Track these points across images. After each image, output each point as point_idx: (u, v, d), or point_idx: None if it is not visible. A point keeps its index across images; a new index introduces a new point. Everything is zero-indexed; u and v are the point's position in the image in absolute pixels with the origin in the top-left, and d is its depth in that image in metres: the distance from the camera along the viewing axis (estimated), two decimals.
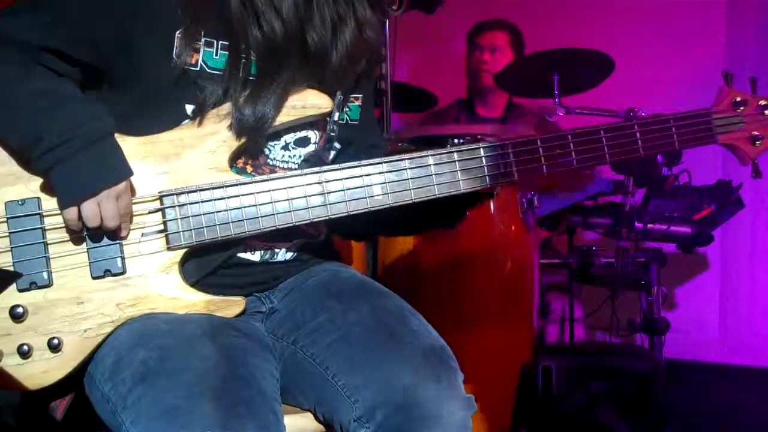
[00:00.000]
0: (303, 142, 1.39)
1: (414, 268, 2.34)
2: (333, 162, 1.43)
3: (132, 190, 1.27)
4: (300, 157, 1.39)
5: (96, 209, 1.22)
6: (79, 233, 1.25)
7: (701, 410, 3.08)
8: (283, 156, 1.38)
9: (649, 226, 2.97)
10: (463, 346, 2.27)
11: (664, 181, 2.94)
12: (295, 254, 1.45)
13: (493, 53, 3.44)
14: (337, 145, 1.46)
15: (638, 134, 1.42)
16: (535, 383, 2.51)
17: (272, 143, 1.37)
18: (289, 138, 1.39)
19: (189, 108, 1.30)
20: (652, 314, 2.90)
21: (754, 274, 3.91)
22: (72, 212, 1.22)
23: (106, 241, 1.27)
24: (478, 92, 3.54)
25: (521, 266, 2.39)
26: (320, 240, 1.49)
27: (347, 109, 1.47)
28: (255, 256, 1.39)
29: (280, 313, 1.42)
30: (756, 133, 1.47)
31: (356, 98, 1.48)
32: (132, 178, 1.26)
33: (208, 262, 1.33)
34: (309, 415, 1.35)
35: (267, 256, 1.40)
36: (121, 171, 1.24)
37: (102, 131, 1.23)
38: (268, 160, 1.37)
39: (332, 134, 1.40)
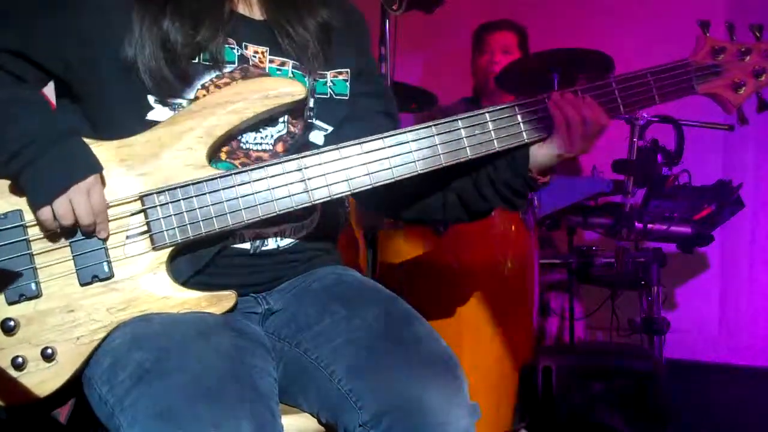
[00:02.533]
0: (272, 121, 1.39)
1: (414, 268, 2.34)
2: (330, 144, 1.41)
3: (110, 191, 1.27)
4: (272, 137, 1.39)
5: (68, 206, 1.23)
6: (59, 238, 1.26)
7: (701, 410, 3.08)
8: (255, 138, 1.38)
9: (649, 226, 2.97)
10: (464, 347, 2.28)
11: (664, 181, 2.93)
12: (292, 244, 1.44)
13: (505, 54, 3.43)
14: (324, 125, 1.45)
15: (617, 92, 1.40)
16: (535, 383, 2.51)
17: None
18: None
19: (151, 98, 1.32)
20: (652, 314, 2.90)
21: (754, 274, 3.91)
22: (46, 212, 1.23)
23: (91, 246, 1.27)
24: (487, 92, 3.53)
25: (521, 266, 2.39)
26: (314, 227, 1.48)
27: (331, 84, 1.47)
28: (245, 245, 1.38)
29: (282, 314, 1.42)
30: (738, 80, 1.43)
31: (340, 73, 1.48)
32: (112, 182, 1.27)
33: (198, 258, 1.33)
34: (309, 415, 1.35)
35: (257, 244, 1.39)
36: (89, 166, 1.25)
37: (63, 130, 1.25)
38: (241, 144, 1.37)
39: (310, 121, 1.40)
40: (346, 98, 1.49)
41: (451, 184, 1.50)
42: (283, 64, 1.42)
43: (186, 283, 1.31)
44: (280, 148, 1.39)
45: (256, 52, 1.40)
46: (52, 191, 1.22)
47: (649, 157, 2.88)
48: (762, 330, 3.84)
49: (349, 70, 1.49)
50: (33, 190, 1.23)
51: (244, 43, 1.39)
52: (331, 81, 1.47)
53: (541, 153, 1.42)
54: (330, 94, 1.47)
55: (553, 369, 2.56)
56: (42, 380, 1.24)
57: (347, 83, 1.49)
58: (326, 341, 1.32)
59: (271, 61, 1.41)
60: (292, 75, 1.42)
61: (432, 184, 1.49)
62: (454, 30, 3.89)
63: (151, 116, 1.32)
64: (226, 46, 1.36)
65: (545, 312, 3.47)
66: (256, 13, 1.43)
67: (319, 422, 1.33)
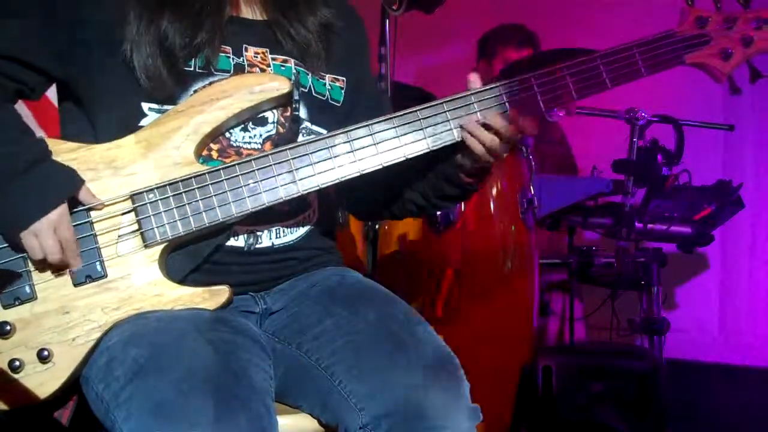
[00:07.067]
0: (261, 121, 1.39)
1: (413, 268, 2.34)
2: None
3: (100, 191, 1.28)
4: (260, 136, 1.39)
5: (35, 243, 1.23)
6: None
7: (701, 410, 3.08)
8: (244, 137, 1.38)
9: (649, 226, 2.96)
10: (463, 346, 2.27)
11: (664, 181, 2.93)
12: (289, 243, 1.44)
13: None
14: (317, 128, 1.45)
15: (602, 66, 1.40)
16: (535, 383, 2.51)
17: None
18: None
19: (145, 106, 1.32)
20: (652, 314, 2.90)
21: (754, 274, 3.91)
22: (20, 246, 1.24)
23: (83, 246, 1.27)
24: None
25: (521, 266, 2.39)
26: (311, 226, 1.48)
27: (329, 87, 1.47)
28: (239, 242, 1.38)
29: (282, 315, 1.42)
30: (726, 48, 1.42)
31: (336, 79, 1.49)
32: (102, 183, 1.28)
33: (194, 257, 1.33)
34: (309, 416, 1.35)
35: (251, 240, 1.39)
36: (50, 200, 1.24)
37: (25, 162, 1.24)
38: (231, 143, 1.37)
39: (296, 114, 1.40)
40: (339, 105, 1.49)
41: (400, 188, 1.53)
42: (285, 61, 1.42)
43: (182, 281, 1.31)
44: (268, 147, 1.39)
45: (257, 53, 1.40)
46: (17, 228, 1.23)
47: (649, 157, 2.88)
48: (762, 330, 3.84)
49: (345, 78, 1.50)
50: (1, 226, 1.25)
51: (244, 45, 1.39)
52: (330, 85, 1.47)
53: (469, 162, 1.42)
54: (327, 96, 1.47)
55: (553, 369, 2.56)
56: (40, 382, 1.24)
57: (343, 91, 1.49)
58: (327, 342, 1.32)
59: (273, 59, 1.41)
60: (296, 71, 1.43)
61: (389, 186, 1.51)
62: (455, 30, 3.89)
63: (144, 123, 1.33)
64: (222, 54, 1.36)
65: (545, 312, 3.47)
66: (257, 14, 1.43)
67: (320, 423, 1.33)
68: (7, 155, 1.24)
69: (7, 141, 1.26)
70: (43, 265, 1.26)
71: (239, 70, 1.38)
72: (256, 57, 1.40)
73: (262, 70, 1.40)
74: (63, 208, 1.25)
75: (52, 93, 1.45)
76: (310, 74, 1.44)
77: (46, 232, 1.23)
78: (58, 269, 1.27)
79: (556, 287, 3.49)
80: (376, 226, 2.36)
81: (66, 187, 1.25)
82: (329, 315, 1.36)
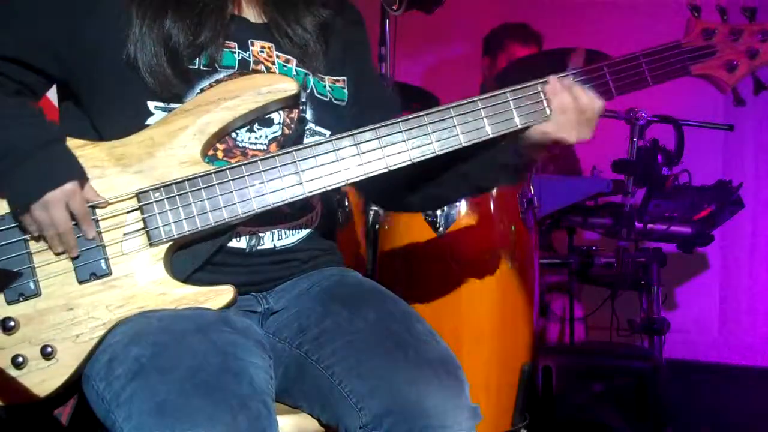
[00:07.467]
0: (267, 122, 1.40)
1: (413, 268, 2.34)
2: None
3: (106, 189, 1.28)
4: (266, 137, 1.40)
5: (45, 215, 1.23)
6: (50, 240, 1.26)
7: (701, 410, 3.08)
8: (250, 138, 1.38)
9: (649, 226, 2.97)
10: (463, 347, 2.28)
11: (664, 181, 2.93)
12: (291, 244, 1.44)
13: None
14: (321, 129, 1.45)
15: (608, 75, 1.40)
16: (535, 383, 2.51)
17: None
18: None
19: (151, 104, 1.33)
20: (652, 314, 2.90)
21: (754, 274, 3.91)
22: (27, 220, 1.25)
23: (88, 244, 1.27)
24: None
25: (521, 266, 2.39)
26: (312, 227, 1.48)
27: (329, 88, 1.47)
28: (241, 243, 1.38)
29: (283, 315, 1.42)
30: (731, 60, 1.43)
31: (337, 80, 1.49)
32: (108, 180, 1.28)
33: (197, 256, 1.33)
34: (309, 416, 1.35)
35: (253, 242, 1.40)
36: (65, 174, 1.24)
37: (41, 139, 1.25)
38: (237, 143, 1.37)
39: (303, 115, 1.40)
40: (344, 104, 1.49)
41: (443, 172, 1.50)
42: (287, 61, 1.42)
43: (186, 281, 1.32)
44: (273, 148, 1.39)
45: (263, 47, 1.40)
46: (27, 200, 1.23)
47: (649, 157, 2.88)
48: (762, 330, 3.84)
49: (346, 78, 1.50)
50: (12, 199, 1.25)
51: (250, 40, 1.39)
52: (330, 86, 1.47)
53: (538, 130, 1.40)
54: (330, 98, 1.47)
55: (553, 369, 2.56)
56: (43, 379, 1.24)
57: (345, 90, 1.49)
58: (327, 342, 1.32)
59: (278, 57, 1.41)
60: (296, 72, 1.43)
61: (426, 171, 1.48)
62: (455, 30, 3.89)
63: (150, 122, 1.33)
64: (228, 50, 1.36)
65: (545, 312, 3.47)
66: (258, 15, 1.43)
67: (320, 423, 1.33)
68: (23, 134, 1.25)
69: (23, 122, 1.27)
70: (53, 242, 1.26)
71: (244, 66, 1.38)
72: (262, 52, 1.40)
73: (267, 68, 1.40)
74: (76, 183, 1.25)
75: (52, 93, 1.45)
76: (311, 75, 1.45)
77: (58, 203, 1.23)
78: (67, 246, 1.26)
79: (556, 288, 3.49)
80: (376, 226, 2.36)
81: (77, 173, 1.26)
82: (329, 315, 1.36)
